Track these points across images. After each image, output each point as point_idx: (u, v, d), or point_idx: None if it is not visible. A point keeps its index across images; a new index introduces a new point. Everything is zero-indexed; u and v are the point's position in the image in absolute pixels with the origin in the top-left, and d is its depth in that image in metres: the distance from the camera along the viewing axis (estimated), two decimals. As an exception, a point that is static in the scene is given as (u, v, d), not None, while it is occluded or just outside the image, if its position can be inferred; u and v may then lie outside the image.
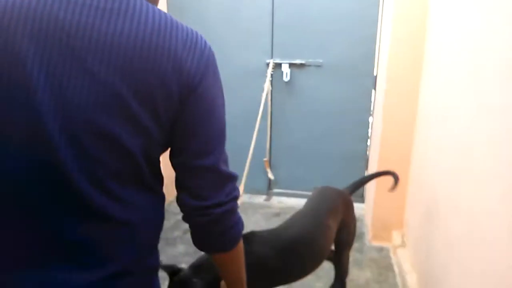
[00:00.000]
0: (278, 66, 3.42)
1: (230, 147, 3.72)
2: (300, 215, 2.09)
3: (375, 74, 3.31)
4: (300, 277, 2.05)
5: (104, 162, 0.84)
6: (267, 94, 3.41)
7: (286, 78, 3.43)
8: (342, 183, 3.53)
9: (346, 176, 3.58)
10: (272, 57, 3.42)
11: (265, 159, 3.61)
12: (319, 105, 3.49)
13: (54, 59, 0.77)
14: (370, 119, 3.42)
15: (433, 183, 2.28)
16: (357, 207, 3.53)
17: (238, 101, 3.51)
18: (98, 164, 0.83)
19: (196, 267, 1.84)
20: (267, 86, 3.28)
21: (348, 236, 2.24)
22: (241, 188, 3.35)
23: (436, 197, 2.19)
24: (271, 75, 3.41)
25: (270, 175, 3.64)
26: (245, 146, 3.62)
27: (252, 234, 1.87)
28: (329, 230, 2.05)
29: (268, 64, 3.39)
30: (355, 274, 2.79)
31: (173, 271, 1.81)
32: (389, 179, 2.45)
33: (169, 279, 1.82)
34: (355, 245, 3.07)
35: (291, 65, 3.42)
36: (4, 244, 0.85)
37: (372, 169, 3.22)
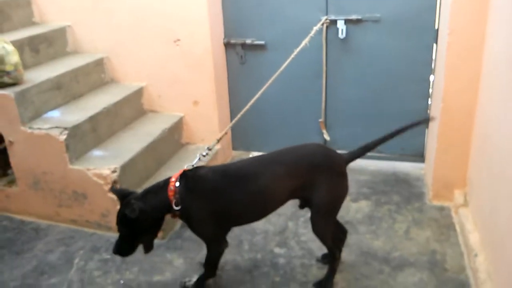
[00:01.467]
0: (333, 22, 3.31)
1: (284, 107, 3.74)
2: (255, 159, 2.31)
3: (436, 28, 3.13)
4: (250, 217, 2.23)
5: None
6: (322, 53, 3.33)
7: (341, 35, 3.31)
8: (401, 142, 3.48)
9: (405, 134, 3.47)
10: (327, 14, 3.31)
11: (320, 119, 3.56)
12: (376, 62, 3.36)
13: None
14: (431, 75, 3.27)
15: (499, 139, 2.16)
16: (417, 166, 3.49)
17: (293, 61, 3.44)
18: None
19: (143, 193, 2.14)
20: (304, 42, 3.12)
21: (319, 199, 2.14)
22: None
23: (502, 154, 2.08)
24: (326, 32, 3.31)
25: (326, 136, 3.58)
26: (299, 106, 3.59)
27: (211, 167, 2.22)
28: (279, 179, 2.11)
29: (323, 23, 3.28)
30: (415, 233, 2.75)
31: (123, 195, 2.14)
32: (453, 136, 2.34)
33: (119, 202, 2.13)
34: (415, 204, 3.02)
35: (346, 21, 3.30)
36: None
37: (433, 127, 3.10)
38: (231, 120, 3.78)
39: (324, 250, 2.41)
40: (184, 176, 2.13)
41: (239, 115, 2.82)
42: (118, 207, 2.13)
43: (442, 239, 2.69)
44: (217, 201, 2.10)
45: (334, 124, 3.60)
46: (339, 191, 2.21)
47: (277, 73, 2.92)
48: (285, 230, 2.81)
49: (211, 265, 2.31)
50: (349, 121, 3.57)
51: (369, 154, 3.50)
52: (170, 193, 2.08)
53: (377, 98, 3.44)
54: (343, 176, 2.20)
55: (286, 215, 2.95)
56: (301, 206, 2.31)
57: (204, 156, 2.38)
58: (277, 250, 2.65)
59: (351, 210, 2.99)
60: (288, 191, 2.15)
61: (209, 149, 2.44)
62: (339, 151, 3.62)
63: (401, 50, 3.28)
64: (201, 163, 2.28)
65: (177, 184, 2.09)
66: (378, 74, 3.38)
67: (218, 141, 2.56)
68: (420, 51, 3.24)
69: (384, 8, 3.21)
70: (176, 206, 2.08)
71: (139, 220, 2.03)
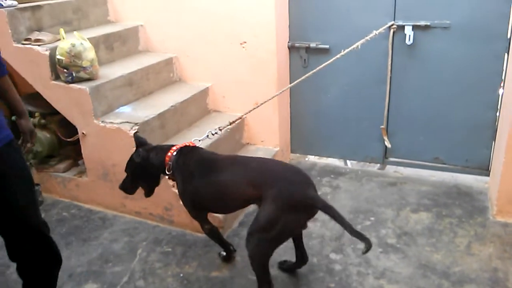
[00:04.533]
0: (400, 28, 3.27)
1: (346, 112, 3.74)
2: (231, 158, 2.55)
3: (508, 37, 3.02)
4: (214, 207, 2.45)
5: None
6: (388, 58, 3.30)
7: (409, 41, 3.26)
8: (465, 154, 3.40)
9: (470, 146, 3.40)
10: (394, 19, 3.27)
11: (382, 126, 3.52)
12: (444, 70, 3.28)
13: None
14: (501, 85, 3.15)
15: None
16: (480, 179, 3.39)
17: (357, 66, 3.44)
18: None
19: (152, 147, 2.53)
20: (365, 39, 3.06)
21: (257, 217, 2.10)
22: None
23: None
24: (392, 37, 3.27)
25: (387, 143, 3.54)
26: (362, 112, 3.56)
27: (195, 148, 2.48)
28: (237, 184, 2.21)
29: (390, 27, 3.25)
30: (477, 249, 2.67)
31: (140, 143, 2.56)
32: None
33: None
34: (478, 219, 2.94)
35: (414, 27, 3.25)
36: None
37: (501, 140, 3.00)
38: (291, 123, 3.81)
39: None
40: (180, 150, 2.42)
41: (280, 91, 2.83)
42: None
43: (505, 256, 2.60)
44: (189, 184, 2.35)
45: (396, 131, 3.55)
46: (273, 220, 2.05)
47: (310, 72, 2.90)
48: (341, 236, 2.81)
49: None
50: (411, 129, 3.51)
51: (431, 164, 3.50)
52: (167, 158, 2.41)
53: (442, 107, 3.36)
54: (291, 209, 2.04)
55: (343, 221, 2.95)
56: None
57: (213, 134, 2.69)
58: (333, 256, 2.66)
59: (410, 221, 2.94)
60: (244, 198, 2.23)
61: (220, 129, 2.69)
62: (399, 160, 3.62)
63: (470, 59, 3.18)
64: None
65: (174, 154, 2.40)
66: (445, 82, 3.30)
67: (231, 123, 2.79)
68: (490, 60, 3.14)
69: (454, 15, 3.13)
70: (168, 171, 2.40)
71: (140, 166, 2.46)
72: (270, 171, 2.21)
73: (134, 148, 2.55)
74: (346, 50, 2.97)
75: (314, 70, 3.01)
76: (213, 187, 2.27)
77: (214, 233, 2.57)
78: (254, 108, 2.97)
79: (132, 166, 2.50)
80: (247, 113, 2.97)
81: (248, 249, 2.15)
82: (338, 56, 2.98)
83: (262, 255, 2.14)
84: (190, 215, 2.55)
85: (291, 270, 2.54)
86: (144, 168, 2.47)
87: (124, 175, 2.56)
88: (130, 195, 2.65)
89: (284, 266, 2.55)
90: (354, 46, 2.99)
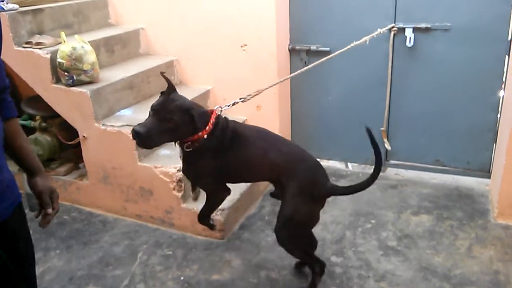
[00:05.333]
0: (401, 30, 3.27)
1: (346, 114, 3.73)
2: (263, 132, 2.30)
3: (509, 39, 3.02)
4: (235, 177, 2.28)
5: None
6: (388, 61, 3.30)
7: (409, 43, 3.26)
8: (466, 156, 3.39)
9: (471, 148, 3.39)
10: (395, 21, 3.27)
11: (382, 128, 3.52)
12: (444, 72, 3.28)
13: None
14: (502, 87, 3.15)
15: None
16: (482, 182, 3.38)
17: (358, 68, 3.44)
18: None
19: (191, 103, 2.09)
20: (364, 39, 3.07)
21: (283, 210, 2.18)
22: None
23: None
24: (393, 40, 3.27)
25: (387, 146, 3.54)
26: (362, 114, 3.56)
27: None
28: (262, 161, 2.17)
29: (390, 30, 3.25)
30: (478, 251, 2.67)
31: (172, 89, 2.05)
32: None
33: None
34: (478, 221, 2.94)
35: (415, 29, 3.25)
36: None
37: (502, 142, 2.99)
38: (291, 125, 3.81)
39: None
40: (217, 121, 2.12)
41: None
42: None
43: (506, 259, 2.60)
44: (222, 156, 2.14)
45: (397, 134, 3.55)
46: (302, 212, 2.17)
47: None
48: (342, 239, 2.81)
49: (210, 205, 2.33)
50: (412, 132, 3.51)
51: (431, 166, 3.50)
52: (209, 126, 2.05)
53: (443, 109, 3.36)
54: (314, 201, 2.20)
55: (344, 224, 2.95)
56: (271, 194, 2.44)
57: (233, 104, 2.38)
58: (333, 258, 2.66)
59: (411, 224, 2.94)
60: (263, 175, 2.27)
61: (243, 100, 2.45)
62: (400, 162, 3.61)
63: (471, 61, 3.18)
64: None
65: (205, 136, 2.06)
66: (446, 84, 3.30)
67: (252, 96, 2.54)
68: (491, 62, 3.14)
69: (455, 17, 3.13)
70: (187, 148, 2.07)
71: (173, 114, 1.95)
72: (295, 155, 2.24)
73: (163, 97, 2.04)
74: (355, 43, 2.96)
75: (315, 63, 2.92)
76: (242, 161, 2.18)
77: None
78: (269, 87, 2.80)
79: (163, 111, 1.96)
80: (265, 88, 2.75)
81: (281, 244, 2.24)
82: (342, 50, 2.94)
83: (298, 246, 2.29)
84: (202, 185, 2.34)
85: (303, 265, 2.57)
86: (174, 120, 1.96)
87: (124, 177, 2.49)
88: (148, 148, 2.12)
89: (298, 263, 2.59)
90: (362, 40, 2.99)
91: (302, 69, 2.92)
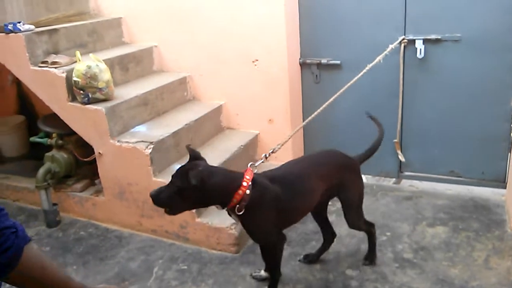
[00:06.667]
0: (411, 42, 3.28)
1: (358, 126, 3.74)
2: (294, 164, 2.47)
3: (521, 48, 3.03)
4: (297, 215, 2.41)
5: None
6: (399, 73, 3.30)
7: (420, 55, 3.27)
8: (481, 166, 3.37)
9: (486, 158, 3.37)
10: (405, 33, 3.29)
11: (395, 140, 3.52)
12: (456, 83, 3.28)
13: None
14: (515, 97, 3.14)
15: None
16: (497, 192, 3.35)
17: (369, 81, 3.44)
18: None
19: (214, 169, 2.17)
20: (378, 59, 3.10)
21: (349, 196, 2.47)
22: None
23: None
24: (403, 51, 3.28)
25: (401, 157, 3.53)
26: (374, 127, 3.55)
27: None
28: (317, 180, 2.35)
29: (401, 42, 3.26)
30: (495, 262, 2.63)
31: (195, 157, 2.17)
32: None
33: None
34: (495, 232, 2.90)
35: (425, 41, 3.26)
36: None
37: (516, 152, 2.97)
38: (304, 139, 3.83)
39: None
40: (254, 184, 2.11)
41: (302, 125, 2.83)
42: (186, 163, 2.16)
43: (525, 270, 2.57)
44: (277, 207, 2.19)
45: (410, 145, 3.54)
46: (361, 187, 2.55)
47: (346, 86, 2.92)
48: (357, 252, 2.80)
49: (275, 263, 2.42)
50: (425, 143, 3.50)
51: (446, 177, 3.48)
52: (237, 197, 2.06)
53: (456, 119, 3.35)
54: (360, 174, 2.57)
55: (359, 237, 2.93)
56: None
57: (266, 158, 2.43)
58: (349, 272, 2.65)
59: (427, 236, 2.92)
60: (321, 191, 2.38)
61: (273, 152, 2.50)
62: (414, 174, 3.60)
63: (483, 71, 3.18)
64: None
65: (247, 191, 2.07)
66: (458, 95, 3.30)
67: (282, 145, 2.62)
68: (502, 72, 3.13)
69: (465, 27, 3.14)
70: (239, 211, 2.07)
71: (192, 187, 1.96)
72: (329, 159, 2.55)
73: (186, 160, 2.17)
74: (370, 65, 3.07)
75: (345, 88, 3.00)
76: (301, 194, 2.30)
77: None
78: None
79: (182, 181, 2.02)
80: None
81: (354, 225, 2.56)
82: (364, 71, 3.05)
83: (363, 219, 2.59)
84: (265, 241, 2.32)
85: (318, 257, 2.73)
86: (196, 190, 2.00)
87: (139, 193, 2.52)
88: (172, 215, 2.20)
89: (310, 258, 2.73)
90: (376, 60, 3.07)
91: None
